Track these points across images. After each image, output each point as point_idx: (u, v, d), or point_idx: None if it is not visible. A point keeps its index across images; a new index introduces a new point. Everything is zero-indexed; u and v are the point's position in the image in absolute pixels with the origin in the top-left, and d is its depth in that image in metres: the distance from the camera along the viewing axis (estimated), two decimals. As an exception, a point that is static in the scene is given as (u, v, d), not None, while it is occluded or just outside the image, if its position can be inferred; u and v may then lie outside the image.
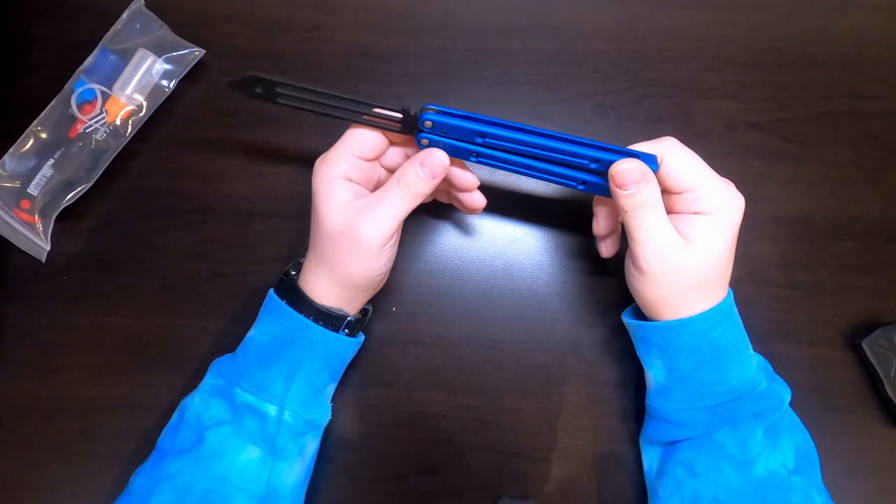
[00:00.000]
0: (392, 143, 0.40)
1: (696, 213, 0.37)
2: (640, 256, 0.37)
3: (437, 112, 0.36)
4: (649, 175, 0.36)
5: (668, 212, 0.39)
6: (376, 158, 0.40)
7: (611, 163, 0.36)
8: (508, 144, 0.37)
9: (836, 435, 0.45)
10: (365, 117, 0.37)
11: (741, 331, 0.39)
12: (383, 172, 0.42)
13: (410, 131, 0.37)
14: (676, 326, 0.37)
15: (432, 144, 0.37)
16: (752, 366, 0.38)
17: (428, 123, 0.37)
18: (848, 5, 0.52)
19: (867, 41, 0.51)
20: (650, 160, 0.36)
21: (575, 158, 0.37)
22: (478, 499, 0.46)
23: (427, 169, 0.37)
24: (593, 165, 0.37)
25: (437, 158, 0.37)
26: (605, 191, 0.37)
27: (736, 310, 0.39)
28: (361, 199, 0.38)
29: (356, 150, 0.38)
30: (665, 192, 0.37)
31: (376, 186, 0.41)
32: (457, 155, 0.38)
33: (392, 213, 0.37)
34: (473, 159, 0.38)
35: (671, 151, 0.37)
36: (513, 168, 0.38)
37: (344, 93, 0.37)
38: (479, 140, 0.37)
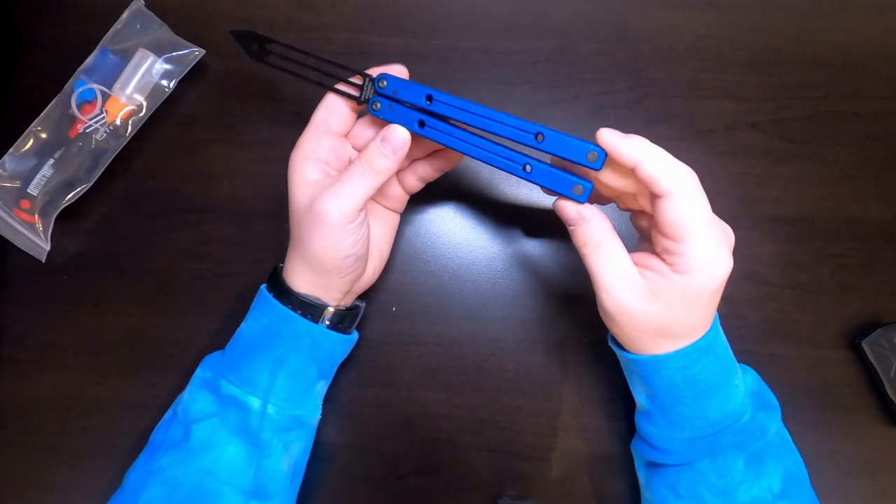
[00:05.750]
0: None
1: (671, 265, 0.34)
2: (596, 294, 0.36)
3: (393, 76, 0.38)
4: (586, 214, 0.35)
5: (652, 247, 0.37)
6: (345, 134, 0.40)
7: (554, 144, 0.35)
8: (455, 110, 0.37)
9: (836, 435, 0.45)
10: (335, 86, 0.39)
11: (725, 363, 0.37)
12: (354, 153, 0.41)
13: (367, 98, 0.38)
14: (653, 362, 0.36)
15: (383, 108, 0.38)
16: (736, 397, 0.37)
17: (383, 83, 0.38)
18: (848, 5, 0.52)
19: (867, 41, 0.51)
20: (582, 150, 0.35)
21: (518, 131, 0.36)
22: (478, 499, 0.46)
23: (388, 144, 0.37)
24: (537, 145, 0.36)
25: (398, 134, 0.37)
26: (548, 181, 0.36)
27: (722, 338, 0.38)
28: (328, 178, 0.38)
29: (321, 126, 0.39)
30: (654, 227, 0.35)
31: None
32: (406, 120, 0.38)
33: (354, 189, 0.36)
34: (420, 130, 0.38)
35: (682, 193, 0.33)
36: (460, 143, 0.37)
37: (326, 56, 0.39)
38: (428, 105, 0.37)
